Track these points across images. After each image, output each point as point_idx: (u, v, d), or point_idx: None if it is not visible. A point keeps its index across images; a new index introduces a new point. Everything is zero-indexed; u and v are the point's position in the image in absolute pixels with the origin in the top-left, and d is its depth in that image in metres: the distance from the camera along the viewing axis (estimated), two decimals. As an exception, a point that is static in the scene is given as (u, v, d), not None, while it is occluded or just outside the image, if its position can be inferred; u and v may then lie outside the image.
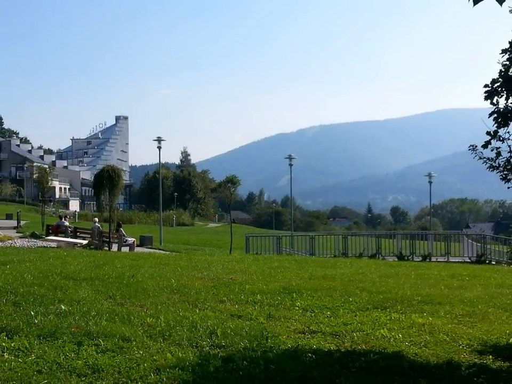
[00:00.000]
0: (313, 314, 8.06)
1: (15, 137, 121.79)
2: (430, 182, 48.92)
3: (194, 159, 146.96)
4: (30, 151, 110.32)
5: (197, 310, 8.04)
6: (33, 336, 6.26)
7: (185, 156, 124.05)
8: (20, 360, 5.45)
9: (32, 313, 7.30)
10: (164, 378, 5.03)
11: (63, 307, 7.71)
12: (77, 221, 57.29)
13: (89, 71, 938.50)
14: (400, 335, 6.89)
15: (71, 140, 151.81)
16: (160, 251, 26.57)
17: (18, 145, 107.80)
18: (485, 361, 5.95)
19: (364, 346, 6.41)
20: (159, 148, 40.50)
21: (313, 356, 5.89)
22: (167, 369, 5.25)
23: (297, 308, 8.46)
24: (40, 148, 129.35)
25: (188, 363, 5.46)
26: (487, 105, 6.56)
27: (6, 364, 5.30)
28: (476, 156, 6.73)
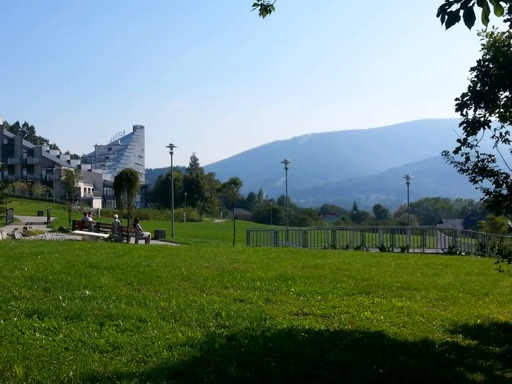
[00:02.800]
0: (305, 299, 8.06)
1: (45, 144, 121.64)
2: (408, 183, 48.97)
3: (202, 163, 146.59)
4: (58, 156, 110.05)
5: (204, 295, 8.04)
6: (61, 317, 6.26)
7: (194, 160, 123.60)
8: (49, 338, 5.45)
9: (60, 297, 7.30)
10: (176, 355, 5.03)
11: (87, 292, 7.71)
12: (99, 217, 57.19)
13: (111, 87, 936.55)
14: (381, 317, 6.90)
15: (94, 146, 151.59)
16: (172, 243, 26.54)
17: (48, 151, 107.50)
18: (455, 340, 5.96)
19: (350, 327, 6.42)
20: (171, 153, 40.60)
21: (306, 335, 5.89)
22: (178, 347, 5.25)
23: (291, 293, 8.46)
24: (67, 153, 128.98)
25: (196, 341, 5.46)
26: (458, 116, 6.57)
27: (38, 342, 5.30)
28: (448, 160, 6.74)
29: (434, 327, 6.47)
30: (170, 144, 40.34)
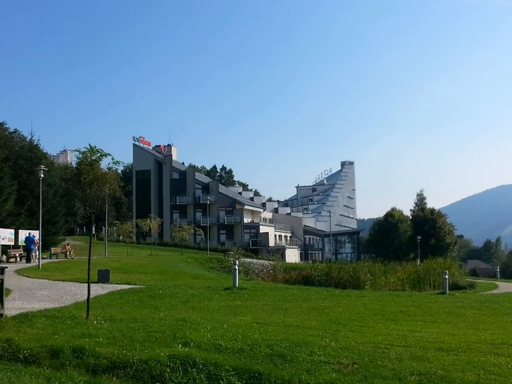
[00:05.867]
0: None
1: (248, 191, 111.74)
2: None
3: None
4: (240, 193, 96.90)
5: None
6: None
7: (420, 199, 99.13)
8: None
9: None
10: None
11: None
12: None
13: (321, 125, 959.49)
14: None
15: (296, 187, 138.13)
16: None
17: (240, 193, 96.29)
18: None
19: None
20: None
21: None
22: None
23: None
24: (270, 200, 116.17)
25: None
26: None
27: None
28: None
29: None
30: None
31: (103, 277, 19.62)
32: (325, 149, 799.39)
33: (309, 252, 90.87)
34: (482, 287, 30.68)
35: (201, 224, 71.38)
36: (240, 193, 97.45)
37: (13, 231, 36.10)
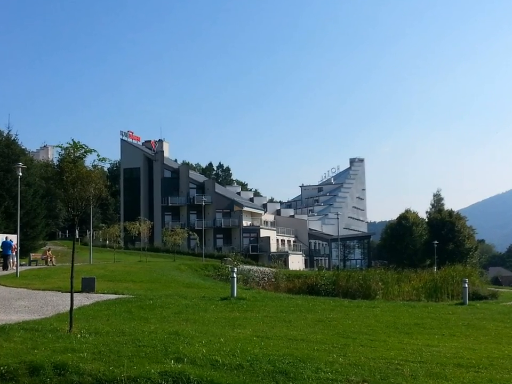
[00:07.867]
0: None
1: (248, 191, 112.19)
2: None
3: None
4: (238, 193, 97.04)
5: None
6: None
7: (437, 199, 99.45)
8: None
9: None
10: None
11: None
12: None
13: (326, 122, 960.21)
14: None
15: (300, 187, 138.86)
16: None
17: (238, 193, 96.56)
18: None
19: None
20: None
21: None
22: None
23: None
24: (271, 200, 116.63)
25: None
26: None
27: None
28: None
29: None
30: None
31: (88, 286, 19.68)
32: (332, 145, 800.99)
33: (315, 258, 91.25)
34: (506, 296, 30.80)
35: (196, 228, 71.52)
36: (238, 193, 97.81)
37: (-12, 235, 36.14)
